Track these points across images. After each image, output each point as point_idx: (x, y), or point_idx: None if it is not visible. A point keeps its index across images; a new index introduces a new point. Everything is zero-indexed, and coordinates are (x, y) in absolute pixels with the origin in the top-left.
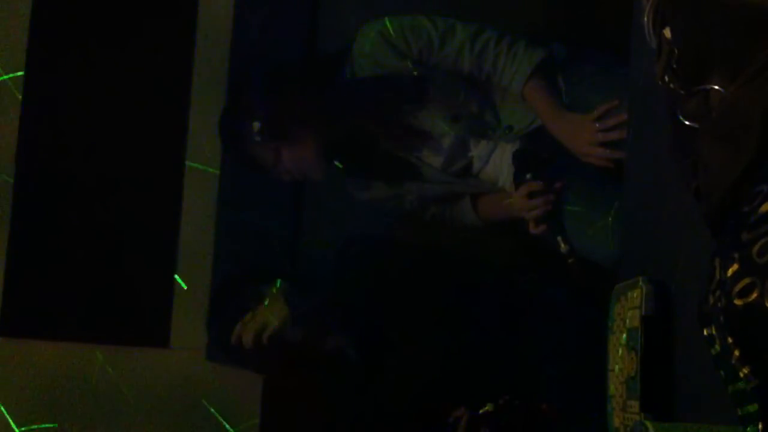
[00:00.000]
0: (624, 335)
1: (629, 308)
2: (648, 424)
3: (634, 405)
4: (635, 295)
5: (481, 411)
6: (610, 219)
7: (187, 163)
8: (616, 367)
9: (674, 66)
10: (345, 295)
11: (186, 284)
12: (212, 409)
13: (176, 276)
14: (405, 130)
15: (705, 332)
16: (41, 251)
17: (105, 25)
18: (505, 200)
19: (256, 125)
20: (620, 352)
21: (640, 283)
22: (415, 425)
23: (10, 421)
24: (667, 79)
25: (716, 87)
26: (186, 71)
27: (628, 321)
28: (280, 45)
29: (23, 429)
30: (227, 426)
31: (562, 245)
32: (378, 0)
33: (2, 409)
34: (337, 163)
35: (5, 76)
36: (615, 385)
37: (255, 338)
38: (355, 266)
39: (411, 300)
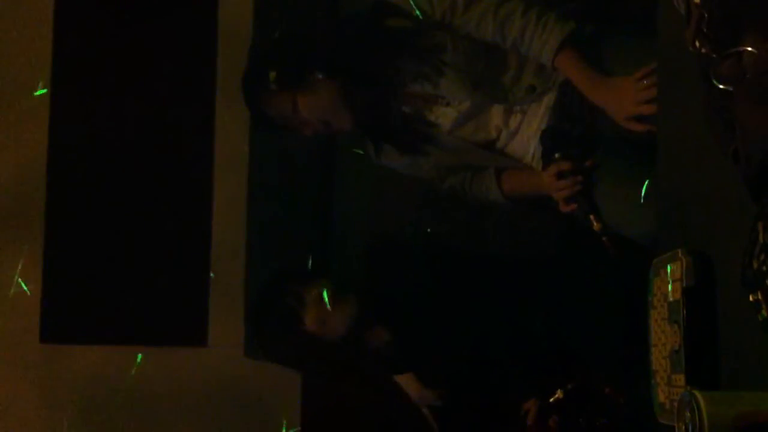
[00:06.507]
0: (665, 309)
1: (670, 281)
2: (697, 394)
3: (679, 379)
4: (675, 267)
5: (551, 399)
6: (643, 194)
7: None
8: (659, 342)
9: (705, 30)
10: (381, 290)
11: (220, 282)
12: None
13: None
14: (421, 94)
15: (750, 298)
16: (77, 257)
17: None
18: (532, 177)
19: (272, 75)
20: (662, 326)
21: (680, 254)
22: (486, 419)
23: None
24: (698, 44)
25: (749, 48)
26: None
27: (669, 294)
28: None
29: None
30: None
31: (595, 224)
32: None
33: None
34: (359, 150)
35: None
36: (658, 360)
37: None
38: (388, 261)
39: (447, 291)
